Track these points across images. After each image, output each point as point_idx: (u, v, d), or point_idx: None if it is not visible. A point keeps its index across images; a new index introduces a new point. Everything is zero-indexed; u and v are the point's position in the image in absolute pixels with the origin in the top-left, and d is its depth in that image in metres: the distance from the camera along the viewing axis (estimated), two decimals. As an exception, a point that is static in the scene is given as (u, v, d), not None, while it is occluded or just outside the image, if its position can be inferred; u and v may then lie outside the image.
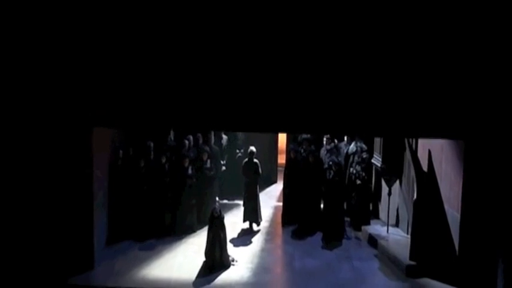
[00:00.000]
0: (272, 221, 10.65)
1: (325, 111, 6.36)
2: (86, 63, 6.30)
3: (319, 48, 6.11)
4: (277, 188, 12.99)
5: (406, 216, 9.13)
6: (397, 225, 9.61)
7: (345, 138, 10.83)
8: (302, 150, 10.32)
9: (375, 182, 10.56)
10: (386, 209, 9.48)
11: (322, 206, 9.98)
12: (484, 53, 5.90)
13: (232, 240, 9.09)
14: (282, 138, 13.14)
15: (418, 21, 5.94)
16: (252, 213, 9.94)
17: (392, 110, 6.23)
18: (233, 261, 8.03)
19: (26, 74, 6.35)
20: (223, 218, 8.06)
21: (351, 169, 10.17)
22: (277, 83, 6.24)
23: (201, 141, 10.43)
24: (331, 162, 9.70)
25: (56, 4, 6.18)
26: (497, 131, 6.14)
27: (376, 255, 8.55)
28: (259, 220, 10.09)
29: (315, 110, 6.35)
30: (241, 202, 10.39)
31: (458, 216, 7.20)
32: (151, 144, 9.51)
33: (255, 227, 10.01)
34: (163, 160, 9.37)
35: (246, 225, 10.07)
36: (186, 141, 10.07)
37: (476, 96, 6.02)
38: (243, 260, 8.15)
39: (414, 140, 8.79)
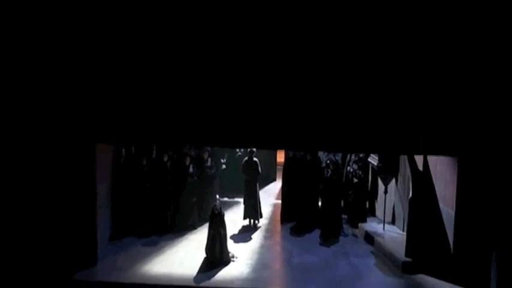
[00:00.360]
0: (271, 218, 10.67)
1: (319, 129, 6.38)
2: (90, 83, 6.39)
3: (312, 70, 6.15)
4: (276, 186, 13.01)
5: (401, 214, 9.14)
6: (393, 222, 9.62)
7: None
8: (301, 150, 10.31)
9: (371, 180, 10.57)
10: (383, 206, 9.49)
11: (320, 203, 9.98)
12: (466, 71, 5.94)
13: (232, 237, 9.10)
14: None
15: (408, 41, 5.95)
16: (252, 211, 9.96)
17: (386, 129, 6.25)
18: (233, 257, 8.04)
19: (34, 88, 6.44)
20: (223, 215, 8.07)
21: (348, 168, 10.20)
22: (264, 105, 6.28)
23: (202, 140, 10.42)
24: (328, 161, 9.73)
25: (58, 24, 6.22)
26: (490, 135, 6.16)
27: (372, 252, 8.57)
28: (259, 217, 10.12)
29: (311, 127, 6.37)
30: (241, 200, 10.40)
31: (453, 214, 7.21)
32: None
33: (254, 223, 10.05)
34: (165, 158, 9.38)
35: (246, 222, 10.09)
36: (188, 140, 10.06)
37: (467, 107, 6.04)
38: (242, 256, 8.16)
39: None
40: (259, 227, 9.99)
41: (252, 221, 10.06)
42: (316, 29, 6.00)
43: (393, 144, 6.48)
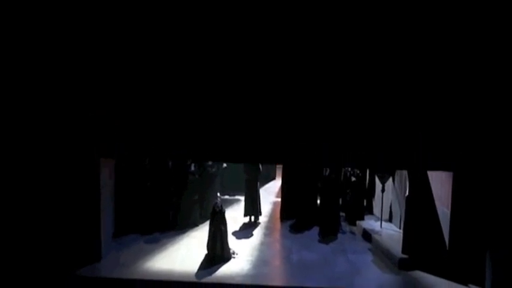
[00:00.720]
0: (271, 216, 10.69)
1: (318, 145, 6.38)
2: (91, 83, 6.41)
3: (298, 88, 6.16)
4: (276, 184, 13.04)
5: (398, 211, 9.16)
6: (390, 220, 9.64)
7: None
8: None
9: (369, 179, 10.59)
10: (380, 204, 9.51)
11: (318, 201, 10.00)
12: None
13: (233, 234, 9.13)
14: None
15: (400, 54, 5.96)
16: (252, 208, 10.00)
17: (380, 144, 6.26)
18: (234, 254, 8.06)
19: (36, 88, 6.50)
20: (224, 212, 8.08)
21: (347, 167, 10.21)
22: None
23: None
24: (327, 160, 9.74)
25: (60, 45, 6.25)
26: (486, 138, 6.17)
27: (370, 249, 8.59)
28: (259, 215, 10.15)
29: (310, 143, 6.37)
30: (241, 197, 10.43)
31: (448, 212, 7.23)
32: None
33: (255, 221, 10.07)
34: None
35: (247, 219, 10.12)
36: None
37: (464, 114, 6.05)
38: (243, 253, 8.18)
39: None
40: (259, 223, 10.02)
41: (252, 218, 10.09)
42: (312, 42, 6.02)
43: (391, 160, 6.45)
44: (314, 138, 6.29)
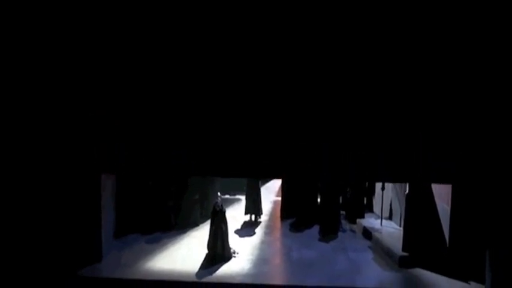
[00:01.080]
0: (271, 215, 10.67)
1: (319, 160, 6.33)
2: (91, 83, 6.38)
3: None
4: (277, 183, 13.00)
5: (398, 209, 9.12)
6: (390, 218, 9.61)
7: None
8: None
9: (369, 177, 10.54)
10: (380, 202, 9.47)
11: (318, 200, 9.97)
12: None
13: (234, 233, 9.09)
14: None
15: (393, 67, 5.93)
16: (254, 207, 10.00)
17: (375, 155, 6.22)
18: (234, 253, 8.02)
19: (36, 88, 6.48)
20: (224, 212, 8.05)
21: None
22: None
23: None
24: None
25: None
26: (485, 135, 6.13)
27: (370, 247, 8.55)
28: (260, 213, 10.14)
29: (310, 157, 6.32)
30: (242, 197, 10.41)
31: (448, 209, 7.19)
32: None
33: (255, 219, 10.05)
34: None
35: (247, 218, 10.10)
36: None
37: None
38: (243, 252, 8.15)
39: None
40: (260, 222, 10.00)
41: (253, 216, 10.08)
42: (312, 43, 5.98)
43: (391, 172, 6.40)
44: (313, 152, 6.25)
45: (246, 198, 10.09)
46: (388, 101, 6.15)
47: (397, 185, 9.08)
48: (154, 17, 6.15)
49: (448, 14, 5.80)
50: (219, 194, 8.90)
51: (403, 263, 7.56)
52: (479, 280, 6.71)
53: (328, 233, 9.25)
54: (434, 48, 5.92)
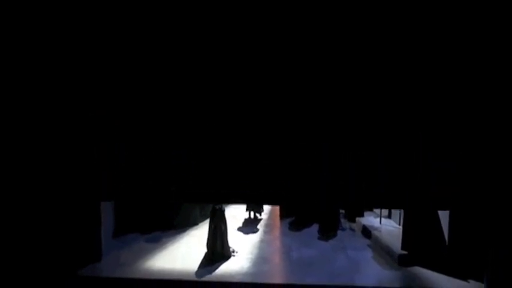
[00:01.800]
0: (271, 214, 10.65)
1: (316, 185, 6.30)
2: (91, 83, 6.35)
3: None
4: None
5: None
6: (389, 216, 9.57)
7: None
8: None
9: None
10: (379, 201, 9.44)
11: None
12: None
13: (233, 232, 9.06)
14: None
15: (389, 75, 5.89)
16: (255, 205, 10.04)
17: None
18: (233, 252, 7.99)
19: (36, 87, 6.44)
20: (224, 211, 8.01)
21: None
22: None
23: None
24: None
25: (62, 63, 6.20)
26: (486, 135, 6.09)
27: (369, 246, 8.52)
28: (261, 210, 10.19)
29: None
30: (241, 196, 10.39)
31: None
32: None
33: (255, 217, 10.06)
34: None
35: (247, 215, 10.11)
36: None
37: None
38: (243, 251, 8.12)
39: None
40: (260, 219, 9.98)
41: (253, 213, 10.12)
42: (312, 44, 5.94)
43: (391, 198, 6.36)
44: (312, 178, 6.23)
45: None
46: (388, 101, 6.12)
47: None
48: (155, 17, 6.11)
49: (447, 14, 5.76)
50: (218, 193, 8.87)
51: (402, 262, 7.53)
52: (479, 279, 6.68)
53: (328, 231, 9.22)
54: (434, 48, 5.88)
